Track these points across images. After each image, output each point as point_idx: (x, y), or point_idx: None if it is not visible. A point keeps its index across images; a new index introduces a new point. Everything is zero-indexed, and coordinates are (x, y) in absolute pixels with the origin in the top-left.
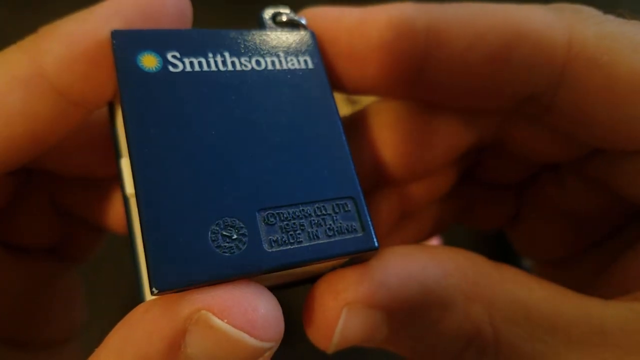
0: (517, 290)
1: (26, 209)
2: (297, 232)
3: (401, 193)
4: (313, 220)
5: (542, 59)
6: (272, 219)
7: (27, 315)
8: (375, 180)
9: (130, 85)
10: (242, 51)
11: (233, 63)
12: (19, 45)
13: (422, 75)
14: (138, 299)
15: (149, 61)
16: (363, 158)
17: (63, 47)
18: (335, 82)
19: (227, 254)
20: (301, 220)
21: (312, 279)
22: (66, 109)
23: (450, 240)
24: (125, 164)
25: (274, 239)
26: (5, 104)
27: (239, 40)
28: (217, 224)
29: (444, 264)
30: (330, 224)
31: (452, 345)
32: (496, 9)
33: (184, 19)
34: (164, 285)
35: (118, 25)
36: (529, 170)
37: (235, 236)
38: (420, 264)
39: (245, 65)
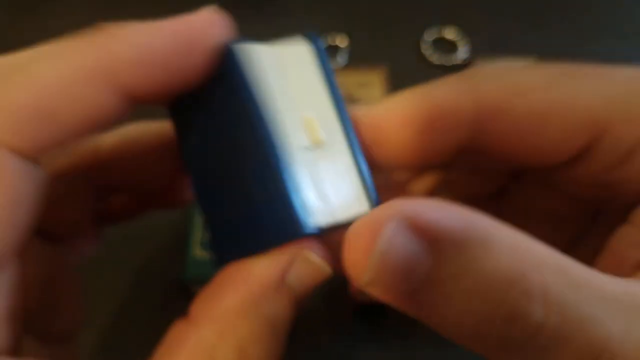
0: (559, 256)
1: (71, 201)
2: None
3: None
4: None
5: (455, 123)
6: None
7: (47, 305)
8: None
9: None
10: None
11: None
12: (90, 40)
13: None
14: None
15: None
16: None
17: (134, 51)
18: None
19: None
20: None
21: None
22: (120, 103)
23: None
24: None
25: None
26: (73, 93)
27: None
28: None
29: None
30: None
31: (495, 285)
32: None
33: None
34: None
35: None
36: (496, 182)
37: None
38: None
39: None
